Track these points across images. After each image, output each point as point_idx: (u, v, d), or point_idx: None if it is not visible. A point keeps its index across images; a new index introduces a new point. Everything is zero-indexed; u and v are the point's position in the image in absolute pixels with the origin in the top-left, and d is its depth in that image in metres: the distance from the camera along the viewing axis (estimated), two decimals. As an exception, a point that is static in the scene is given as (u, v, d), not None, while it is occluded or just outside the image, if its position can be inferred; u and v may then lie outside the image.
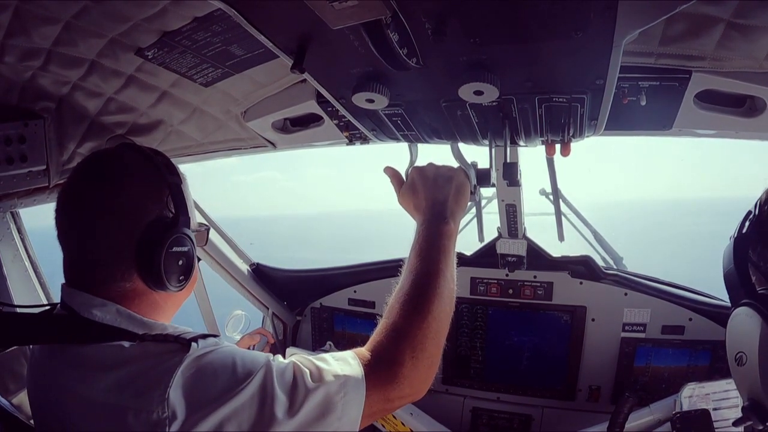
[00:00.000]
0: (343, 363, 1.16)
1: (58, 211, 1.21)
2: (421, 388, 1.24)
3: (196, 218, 1.40)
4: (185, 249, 1.22)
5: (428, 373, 1.25)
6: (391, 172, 1.65)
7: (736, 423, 1.71)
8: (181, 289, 1.25)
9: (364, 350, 1.23)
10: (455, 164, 1.63)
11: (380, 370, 1.17)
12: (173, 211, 1.22)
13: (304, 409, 1.06)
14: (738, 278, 1.65)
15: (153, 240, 1.16)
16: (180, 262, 1.21)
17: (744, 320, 1.66)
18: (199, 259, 1.36)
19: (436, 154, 1.91)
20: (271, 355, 1.15)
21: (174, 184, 1.24)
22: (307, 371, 1.12)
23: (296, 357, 1.18)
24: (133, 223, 1.16)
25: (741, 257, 1.62)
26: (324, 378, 1.11)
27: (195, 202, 1.41)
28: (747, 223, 1.36)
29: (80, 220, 1.18)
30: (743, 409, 1.68)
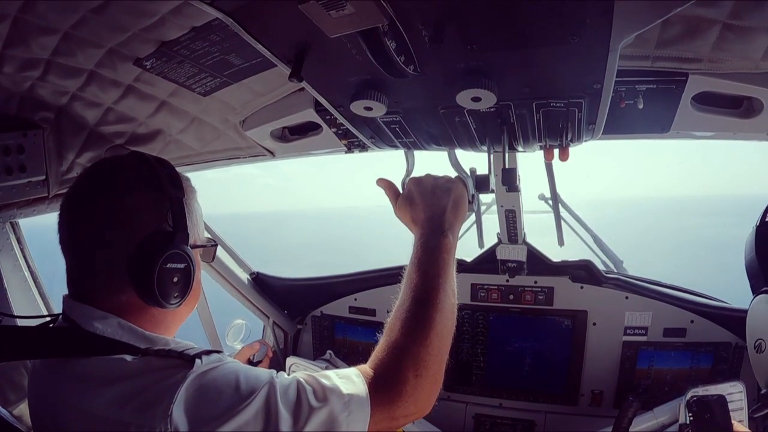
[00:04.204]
0: (347, 381, 1.15)
1: (59, 218, 1.21)
2: (425, 405, 1.23)
3: (204, 233, 1.38)
4: (181, 266, 1.19)
5: (432, 390, 1.23)
6: (385, 184, 1.64)
7: (754, 411, 1.70)
8: (176, 306, 1.21)
9: (367, 368, 1.22)
10: (452, 172, 1.63)
11: (384, 389, 1.16)
12: (172, 225, 1.20)
13: (308, 427, 1.05)
14: (759, 266, 1.65)
15: (146, 254, 1.14)
16: (175, 279, 1.18)
17: (764, 308, 1.65)
18: None
19: (433, 161, 1.91)
20: (275, 371, 1.14)
21: (175, 198, 1.21)
22: (311, 389, 1.11)
23: (300, 374, 1.17)
24: (128, 235, 1.15)
25: (762, 246, 1.61)
26: (328, 397, 1.10)
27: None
28: None
29: (77, 229, 1.18)
30: (761, 396, 1.68)
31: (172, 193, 1.21)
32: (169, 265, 1.16)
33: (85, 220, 1.17)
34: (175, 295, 1.19)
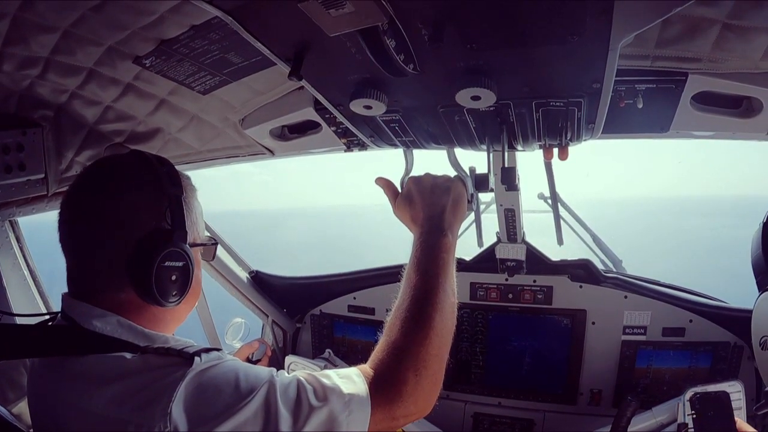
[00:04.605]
0: (348, 381, 1.15)
1: (59, 217, 1.21)
2: (425, 405, 1.23)
3: (204, 231, 1.38)
4: (179, 264, 1.19)
5: (432, 390, 1.23)
6: (384, 183, 1.64)
7: (758, 408, 1.71)
8: (175, 305, 1.21)
9: (367, 368, 1.22)
10: (452, 172, 1.63)
11: (384, 389, 1.16)
12: (170, 224, 1.20)
13: (307, 427, 1.05)
14: (765, 263, 1.65)
15: (145, 253, 1.14)
16: (173, 278, 1.18)
17: None
18: None
19: (431, 160, 1.91)
20: (275, 370, 1.14)
21: (174, 196, 1.21)
22: (311, 388, 1.11)
23: (300, 373, 1.17)
24: (126, 233, 1.15)
25: None
26: (328, 396, 1.10)
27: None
28: None
29: (76, 228, 1.18)
30: (765, 393, 1.68)
31: (171, 192, 1.21)
32: (167, 264, 1.16)
33: (84, 218, 1.17)
34: (174, 293, 1.19)
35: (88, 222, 1.17)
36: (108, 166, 1.26)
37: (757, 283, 1.80)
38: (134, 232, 1.15)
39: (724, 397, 1.65)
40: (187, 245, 1.22)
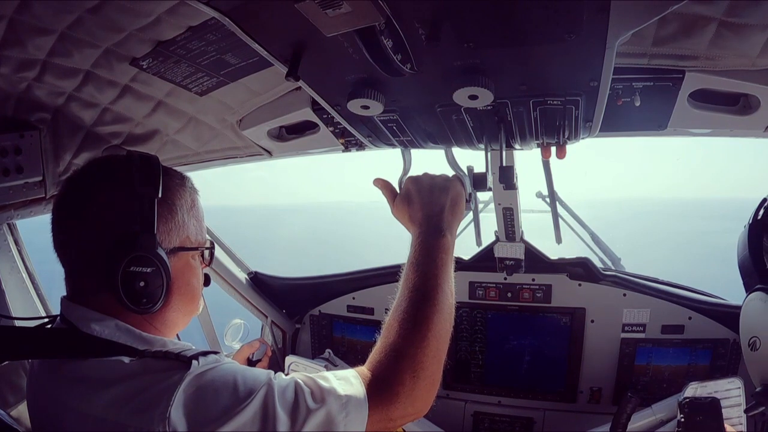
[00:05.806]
0: (345, 383, 1.15)
1: (51, 219, 1.20)
2: (422, 406, 1.22)
3: (202, 235, 1.36)
4: (147, 270, 1.13)
5: (430, 392, 1.23)
6: (382, 183, 1.63)
7: (748, 410, 1.71)
8: (152, 312, 1.17)
9: (364, 369, 1.22)
10: (450, 171, 1.63)
11: (381, 391, 1.16)
12: (140, 227, 1.15)
13: (305, 428, 1.05)
14: (752, 264, 1.66)
15: (111, 257, 1.11)
16: (141, 284, 1.12)
17: (758, 305, 1.67)
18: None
19: (430, 160, 1.91)
20: (272, 372, 1.14)
21: (146, 197, 1.16)
22: (309, 390, 1.11)
23: (298, 375, 1.17)
24: (101, 236, 1.13)
25: (755, 243, 1.62)
26: (326, 398, 1.10)
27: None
28: (762, 210, 1.35)
29: (63, 232, 1.18)
30: (755, 394, 1.69)
31: (142, 192, 1.16)
32: (132, 269, 1.11)
33: (69, 222, 1.17)
34: (144, 300, 1.14)
35: (71, 225, 1.16)
36: (87, 168, 1.23)
37: (744, 284, 1.80)
38: (108, 236, 1.13)
39: (714, 403, 1.66)
40: (160, 250, 1.17)
